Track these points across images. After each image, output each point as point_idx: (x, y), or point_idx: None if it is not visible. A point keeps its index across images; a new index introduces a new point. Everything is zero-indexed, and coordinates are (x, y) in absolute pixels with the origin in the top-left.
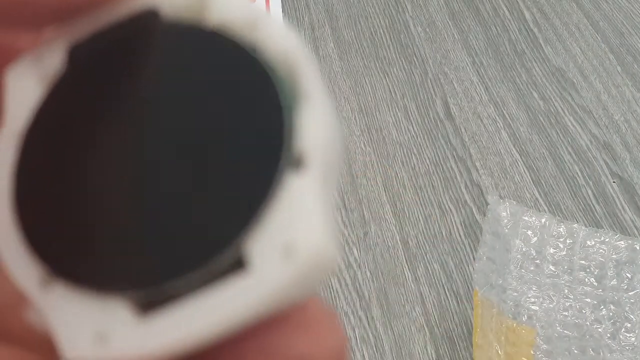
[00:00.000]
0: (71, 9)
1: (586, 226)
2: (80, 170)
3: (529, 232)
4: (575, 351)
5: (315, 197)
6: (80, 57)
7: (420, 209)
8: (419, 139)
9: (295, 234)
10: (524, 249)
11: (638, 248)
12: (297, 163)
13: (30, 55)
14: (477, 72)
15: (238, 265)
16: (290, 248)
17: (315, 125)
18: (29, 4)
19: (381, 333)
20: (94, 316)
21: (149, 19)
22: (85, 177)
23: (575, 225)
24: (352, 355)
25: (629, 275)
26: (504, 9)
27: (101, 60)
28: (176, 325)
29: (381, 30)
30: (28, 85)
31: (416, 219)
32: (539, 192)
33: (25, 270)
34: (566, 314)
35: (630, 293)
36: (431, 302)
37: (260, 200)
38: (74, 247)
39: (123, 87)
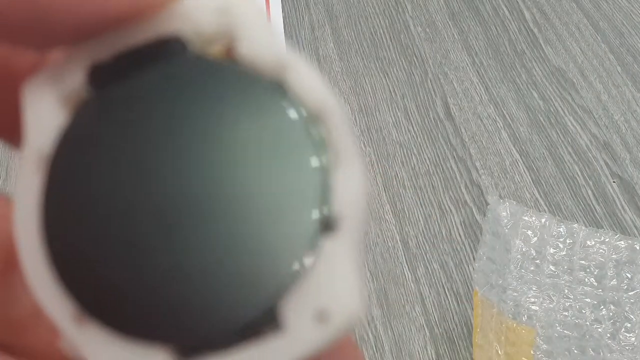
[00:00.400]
0: (91, 31)
1: (586, 226)
2: (112, 206)
3: (529, 232)
4: (575, 351)
5: (348, 262)
6: (104, 80)
7: (420, 209)
8: (419, 139)
9: (330, 301)
10: (524, 249)
11: (638, 248)
12: (331, 226)
13: (48, 73)
14: (477, 72)
15: (274, 325)
16: (324, 314)
17: (349, 188)
18: (44, 23)
19: (381, 333)
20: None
21: (174, 47)
22: (117, 214)
23: (575, 225)
24: None
25: (629, 275)
26: (504, 9)
27: (127, 87)
28: None
29: (381, 31)
30: (49, 105)
31: (416, 219)
32: (539, 192)
33: (57, 304)
34: (566, 314)
35: (630, 293)
36: (431, 302)
37: (297, 263)
38: (108, 288)
39: (150, 121)
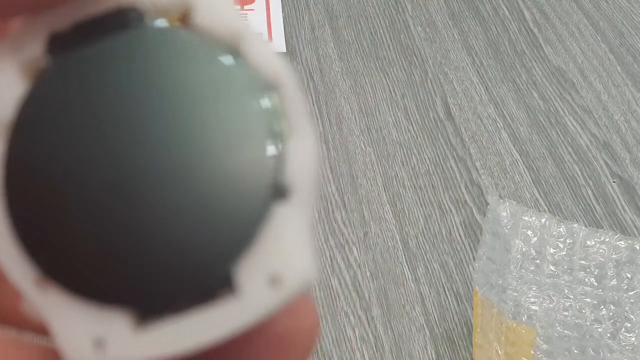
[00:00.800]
0: (51, 1)
1: (586, 226)
2: (71, 171)
3: (529, 232)
4: (575, 351)
5: (300, 228)
6: (63, 49)
7: (420, 209)
8: (419, 139)
9: (282, 265)
10: (524, 249)
11: (638, 248)
12: (283, 193)
13: (7, 43)
14: (477, 72)
15: (228, 289)
16: (277, 278)
17: (302, 157)
18: None
19: (381, 333)
20: (93, 322)
21: (131, 17)
22: (75, 179)
23: (575, 225)
24: (352, 355)
25: (629, 275)
26: (504, 9)
27: (85, 56)
28: (169, 339)
29: (381, 31)
30: (9, 75)
31: (416, 219)
32: (539, 192)
33: (19, 269)
34: (566, 313)
35: (630, 293)
36: (431, 302)
37: (250, 229)
38: (69, 252)
39: (107, 89)
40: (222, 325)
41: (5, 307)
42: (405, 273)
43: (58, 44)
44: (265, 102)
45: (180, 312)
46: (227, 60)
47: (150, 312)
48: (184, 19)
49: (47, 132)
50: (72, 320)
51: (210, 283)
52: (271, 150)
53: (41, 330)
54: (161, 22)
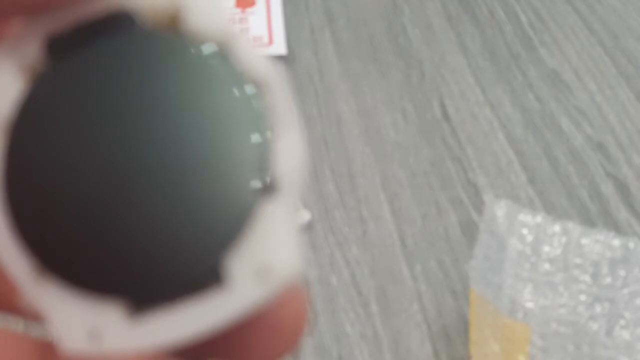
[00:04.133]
0: (48, 4)
1: (581, 225)
2: (68, 168)
3: (525, 231)
4: (571, 348)
5: (286, 221)
6: (60, 51)
7: (418, 208)
8: (416, 139)
9: (269, 258)
10: (519, 248)
11: (632, 247)
12: (271, 189)
13: (7, 45)
14: (474, 74)
15: (217, 281)
16: (264, 270)
17: (289, 154)
18: None
19: (379, 329)
20: (88, 313)
21: (124, 21)
22: (71, 175)
23: (570, 224)
24: (351, 352)
25: (623, 273)
26: (500, 11)
27: (80, 58)
28: (161, 329)
29: (379, 33)
30: (8, 75)
31: (414, 217)
32: (534, 191)
33: (16, 261)
34: (561, 311)
35: (624, 291)
36: (428, 299)
37: (238, 223)
38: (65, 246)
39: (102, 89)
40: (213, 316)
41: (3, 295)
42: (403, 271)
43: (55, 46)
44: (253, 101)
45: (172, 303)
46: (216, 60)
47: (143, 303)
48: (175, 21)
49: (44, 131)
50: (68, 312)
51: (200, 275)
52: (258, 147)
53: (37, 319)
54: (153, 25)
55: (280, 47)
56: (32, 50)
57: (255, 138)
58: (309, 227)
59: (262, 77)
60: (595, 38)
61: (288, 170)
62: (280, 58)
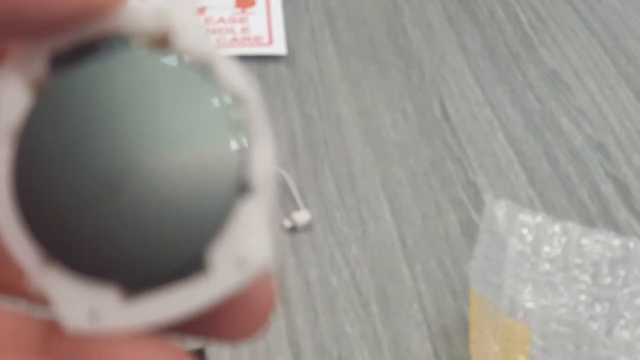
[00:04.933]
0: (53, 29)
1: (581, 225)
2: (68, 169)
3: (525, 231)
4: (571, 348)
5: (261, 219)
6: (62, 68)
7: (418, 208)
8: (416, 139)
9: (246, 249)
10: (519, 248)
11: (632, 246)
12: (248, 190)
13: (15, 61)
14: (474, 73)
15: (201, 268)
16: (241, 260)
17: (263, 159)
18: (18, 19)
19: (379, 329)
20: (87, 296)
21: (121, 41)
22: (72, 174)
23: (570, 224)
24: (351, 352)
25: (623, 273)
26: (500, 11)
27: (80, 74)
28: (152, 309)
29: (379, 33)
30: (16, 89)
31: (414, 218)
32: (534, 191)
33: (24, 250)
34: (561, 311)
35: (624, 291)
36: (428, 299)
37: (220, 221)
38: (67, 236)
39: (98, 102)
40: (197, 298)
41: (10, 280)
42: (403, 271)
43: (58, 63)
44: (232, 113)
45: (161, 287)
46: (200, 77)
47: (136, 287)
48: (165, 42)
49: (48, 137)
50: (70, 295)
51: (186, 263)
52: (237, 153)
53: (42, 301)
54: (145, 45)
55: (280, 47)
56: (37, 66)
57: (234, 145)
58: (309, 227)
59: (240, 92)
60: (595, 38)
61: (262, 173)
62: (280, 58)
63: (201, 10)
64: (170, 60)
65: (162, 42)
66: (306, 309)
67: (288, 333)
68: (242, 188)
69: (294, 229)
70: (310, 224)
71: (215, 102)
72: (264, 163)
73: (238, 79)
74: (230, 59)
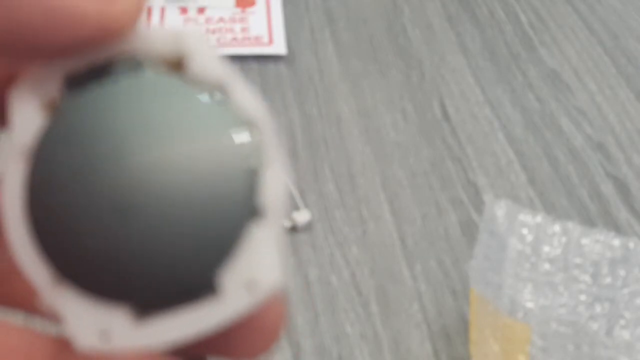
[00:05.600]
0: (69, 51)
1: (581, 225)
2: (81, 191)
3: (525, 231)
4: (571, 348)
5: (272, 243)
6: (76, 89)
7: (418, 208)
8: (416, 139)
9: (256, 273)
10: (519, 247)
11: (632, 246)
12: (259, 215)
13: (30, 81)
14: (474, 73)
15: (212, 291)
16: (251, 283)
17: (274, 185)
18: (34, 43)
19: (379, 329)
20: (99, 317)
21: (135, 64)
22: (85, 197)
23: (570, 224)
24: (351, 352)
25: (623, 273)
26: (500, 11)
27: (94, 95)
28: (163, 331)
29: (379, 33)
30: (31, 109)
31: (414, 217)
32: (534, 191)
33: (37, 270)
34: (561, 311)
35: (624, 291)
36: (428, 299)
37: (232, 244)
38: (80, 257)
39: (112, 123)
40: (207, 320)
41: (24, 297)
42: (403, 271)
43: (72, 84)
44: (246, 138)
45: (173, 309)
46: (214, 102)
47: (148, 308)
48: (179, 65)
49: (61, 158)
50: (81, 314)
51: (197, 286)
52: (249, 178)
53: (54, 319)
54: (159, 69)
55: (280, 47)
56: (52, 87)
57: (246, 169)
58: (309, 227)
59: (254, 117)
60: (595, 38)
61: (274, 198)
62: (280, 58)
63: (201, 10)
64: (183, 85)
65: (176, 66)
66: (306, 308)
67: (288, 333)
68: (253, 212)
69: (293, 229)
70: (310, 224)
71: (229, 127)
72: (276, 188)
73: (252, 103)
74: (244, 83)
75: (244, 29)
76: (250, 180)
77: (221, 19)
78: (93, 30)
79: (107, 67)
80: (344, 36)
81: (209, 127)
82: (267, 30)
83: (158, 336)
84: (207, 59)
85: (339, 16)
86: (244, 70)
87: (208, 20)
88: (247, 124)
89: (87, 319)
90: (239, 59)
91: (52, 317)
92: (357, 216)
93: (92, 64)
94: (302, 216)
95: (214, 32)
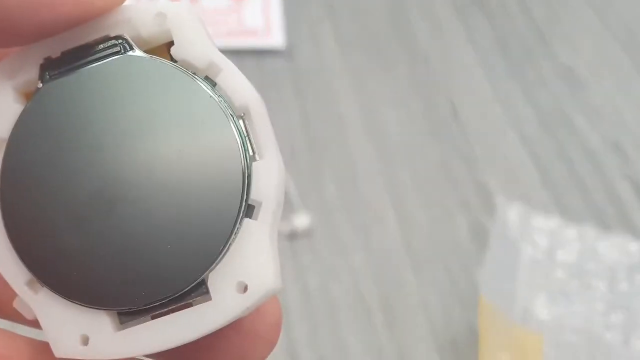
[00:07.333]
0: (46, 33)
1: (597, 229)
2: (60, 187)
3: (538, 236)
4: (585, 358)
5: (265, 241)
6: (54, 73)
7: (424, 211)
8: (422, 139)
9: (249, 274)
10: (532, 253)
11: None
12: (252, 210)
13: (4, 68)
14: (484, 70)
15: (202, 293)
16: (244, 285)
17: (268, 178)
18: (11, 26)
19: (384, 341)
20: (79, 322)
21: (118, 46)
22: (64, 194)
23: (586, 228)
24: None
25: None
26: (512, 4)
27: (73, 80)
28: (147, 338)
29: (383, 26)
30: (6, 97)
31: (420, 222)
32: (548, 194)
33: (13, 271)
34: (576, 320)
35: None
36: (436, 308)
37: (223, 243)
38: (58, 259)
39: (94, 109)
40: (196, 325)
41: (4, 304)
42: (409, 278)
43: (50, 68)
44: (236, 127)
45: (158, 314)
46: (202, 87)
47: (130, 314)
48: (165, 46)
49: (39, 148)
50: (61, 319)
51: (185, 289)
52: (241, 171)
53: (34, 324)
54: (144, 52)
55: (278, 39)
56: (29, 72)
57: (237, 163)
58: (308, 232)
59: (245, 104)
60: (611, 33)
61: (267, 192)
62: (278, 51)
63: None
64: (170, 68)
65: (161, 47)
66: (305, 318)
67: (287, 344)
68: (245, 209)
69: (292, 234)
70: (310, 229)
71: (218, 115)
72: (269, 181)
73: (243, 88)
74: (233, 66)
75: (239, 21)
76: (242, 174)
77: (215, 10)
78: (73, 9)
79: (88, 50)
80: (345, 29)
81: (197, 116)
82: (263, 22)
83: (142, 342)
84: (195, 40)
85: (340, 8)
86: (240, 65)
87: (202, 11)
88: (237, 112)
89: (66, 324)
90: (234, 54)
91: (33, 322)
92: (360, 220)
93: (72, 48)
94: (301, 220)
95: (207, 23)
